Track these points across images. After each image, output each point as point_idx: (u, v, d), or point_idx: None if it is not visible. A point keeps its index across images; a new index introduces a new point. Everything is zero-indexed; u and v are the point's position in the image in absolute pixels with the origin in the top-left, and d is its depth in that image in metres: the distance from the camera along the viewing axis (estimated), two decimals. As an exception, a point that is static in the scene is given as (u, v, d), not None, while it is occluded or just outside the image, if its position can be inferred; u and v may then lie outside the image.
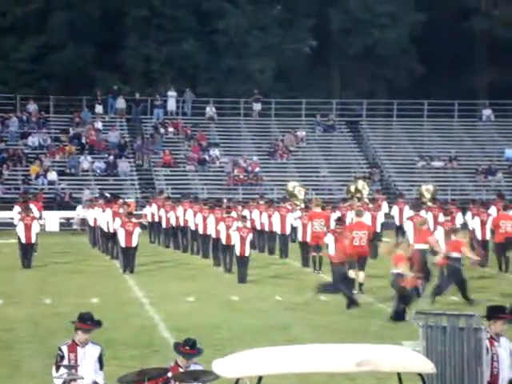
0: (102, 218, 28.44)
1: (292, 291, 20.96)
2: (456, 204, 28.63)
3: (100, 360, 9.61)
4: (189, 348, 9.30)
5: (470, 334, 8.85)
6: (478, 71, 51.11)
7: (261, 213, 28.78)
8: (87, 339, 9.59)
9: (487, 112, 48.44)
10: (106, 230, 27.74)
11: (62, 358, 9.49)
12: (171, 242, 30.42)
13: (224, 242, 23.61)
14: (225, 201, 29.86)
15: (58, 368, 9.55)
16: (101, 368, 9.63)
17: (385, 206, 30.23)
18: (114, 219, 26.20)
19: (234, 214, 25.21)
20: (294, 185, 31.13)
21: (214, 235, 25.27)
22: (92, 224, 30.77)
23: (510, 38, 50.12)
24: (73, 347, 9.54)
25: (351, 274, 20.56)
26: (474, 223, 25.58)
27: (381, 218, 28.34)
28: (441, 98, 46.70)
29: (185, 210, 29.03)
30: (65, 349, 9.54)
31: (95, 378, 9.57)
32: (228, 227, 23.47)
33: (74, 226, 38.47)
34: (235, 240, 22.39)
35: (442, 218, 23.62)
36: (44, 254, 27.38)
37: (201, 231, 27.17)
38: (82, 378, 9.46)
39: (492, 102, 48.62)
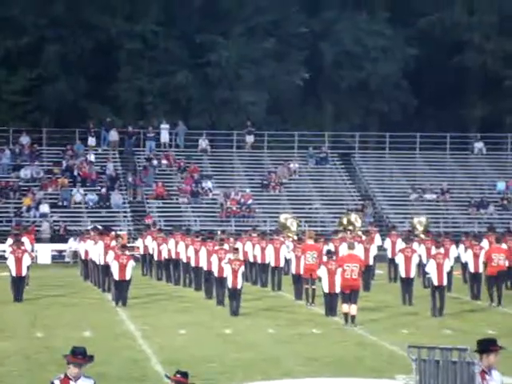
0: (95, 250, 28.37)
1: (285, 324, 20.88)
2: (449, 237, 28.65)
3: None
4: (180, 376, 9.32)
5: (463, 368, 8.83)
6: (470, 104, 51.40)
7: (254, 245, 28.74)
8: (79, 373, 9.55)
9: (479, 145, 48.66)
10: (98, 263, 27.66)
11: None
12: (163, 275, 30.35)
13: (216, 274, 23.55)
14: (218, 233, 29.80)
15: None
16: None
17: (378, 238, 30.25)
18: (106, 252, 26.13)
19: (226, 246, 25.17)
20: (286, 217, 31.19)
21: (205, 267, 25.22)
22: (84, 257, 30.69)
23: (501, 72, 50.50)
24: (65, 381, 9.50)
25: (344, 307, 20.53)
26: (467, 256, 25.59)
27: (374, 251, 28.37)
28: (433, 130, 46.94)
29: (177, 243, 29.00)
30: (57, 383, 9.51)
31: None
32: (220, 259, 23.43)
33: (67, 259, 38.35)
34: (227, 272, 22.34)
35: (434, 250, 23.62)
36: (36, 286, 27.26)
37: (193, 264, 27.12)
38: None
39: (484, 135, 48.88)
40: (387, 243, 29.93)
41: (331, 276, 21.26)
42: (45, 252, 38.17)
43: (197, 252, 26.53)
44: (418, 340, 16.32)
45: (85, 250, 30.48)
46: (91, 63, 47.61)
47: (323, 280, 21.52)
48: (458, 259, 27.06)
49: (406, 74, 50.61)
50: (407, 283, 24.03)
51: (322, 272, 21.57)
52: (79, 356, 9.50)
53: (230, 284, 22.18)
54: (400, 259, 24.30)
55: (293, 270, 25.61)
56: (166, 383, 12.64)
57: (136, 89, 49.16)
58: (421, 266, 25.93)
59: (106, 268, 25.70)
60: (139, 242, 32.65)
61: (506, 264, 24.82)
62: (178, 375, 9.37)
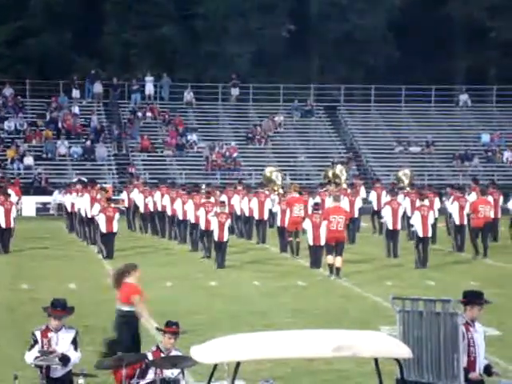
0: (80, 203, 28.33)
1: (270, 276, 21.00)
2: (432, 189, 28.75)
3: (74, 342, 9.60)
4: (175, 327, 9.43)
5: (447, 319, 8.90)
6: (455, 56, 51.28)
7: (241, 198, 28.70)
8: (59, 325, 9.60)
9: (464, 97, 48.66)
10: (83, 216, 27.64)
11: (36, 342, 9.52)
12: (149, 228, 30.38)
13: (203, 227, 23.59)
14: (203, 186, 29.78)
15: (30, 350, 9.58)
16: (75, 349, 9.61)
17: (362, 190, 30.33)
18: (92, 205, 26.10)
19: (212, 199, 25.19)
20: (271, 170, 31.10)
21: (193, 220, 25.22)
22: (69, 209, 30.65)
23: (487, 23, 50.32)
24: (46, 332, 9.57)
25: (329, 258, 20.65)
26: (453, 208, 25.71)
27: (359, 203, 28.43)
28: (418, 83, 46.86)
29: (162, 195, 28.99)
30: (38, 334, 9.57)
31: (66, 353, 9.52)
32: (207, 212, 23.47)
33: (51, 212, 38.32)
34: (214, 225, 22.38)
35: (418, 202, 23.74)
36: (21, 239, 27.26)
37: (180, 217, 27.15)
38: (58, 363, 9.46)
39: (469, 88, 48.85)
40: (372, 196, 30.02)
41: (316, 229, 21.35)
42: (29, 204, 38.09)
43: (183, 205, 26.54)
44: (401, 292, 16.46)
45: (70, 202, 30.44)
46: (77, 15, 47.17)
47: (308, 232, 21.62)
48: (441, 211, 27.20)
49: (391, 26, 50.38)
50: (393, 235, 24.14)
51: (307, 224, 21.66)
52: (58, 308, 9.56)
53: (216, 237, 22.23)
54: (386, 212, 24.39)
55: (278, 222, 25.68)
56: (152, 335, 12.76)
57: (121, 41, 48.81)
58: (405, 218, 26.04)
59: (92, 221, 25.69)
60: (124, 195, 32.61)
61: (492, 215, 24.97)
62: (174, 326, 9.45)
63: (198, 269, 22.28)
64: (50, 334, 9.53)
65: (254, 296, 18.54)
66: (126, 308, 11.52)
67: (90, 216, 26.41)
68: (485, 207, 24.45)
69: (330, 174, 30.74)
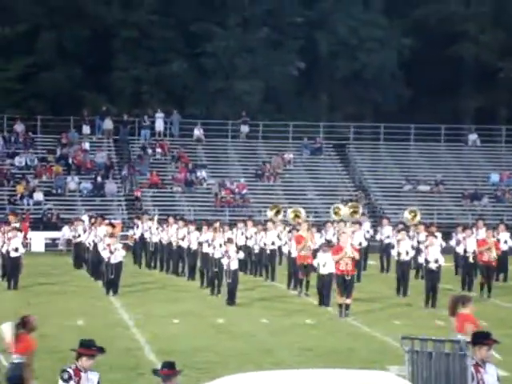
0: (88, 239, 28.38)
1: (278, 314, 20.92)
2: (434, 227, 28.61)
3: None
4: (167, 369, 9.33)
5: (456, 360, 8.86)
6: (464, 96, 51.45)
7: (255, 234, 28.61)
8: (91, 365, 9.68)
9: (473, 137, 48.71)
10: (91, 251, 27.66)
11: (70, 377, 9.57)
12: (157, 263, 30.37)
13: (213, 263, 23.59)
14: (218, 224, 29.65)
15: None
16: None
17: (367, 226, 30.27)
18: (99, 240, 26.13)
19: (225, 236, 25.20)
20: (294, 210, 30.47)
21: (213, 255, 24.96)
22: (77, 245, 30.68)
23: (496, 64, 50.54)
24: (77, 372, 9.63)
25: (339, 299, 20.57)
26: (460, 248, 25.67)
27: (359, 240, 28.17)
28: (427, 122, 46.96)
29: (175, 231, 28.93)
30: (71, 371, 9.62)
31: None
32: (215, 248, 23.50)
33: (60, 247, 38.34)
34: (224, 262, 22.38)
35: (425, 239, 23.72)
36: (29, 274, 27.24)
37: (187, 250, 27.19)
38: None
39: (478, 127, 48.94)
40: (380, 233, 29.98)
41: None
42: (38, 240, 38.13)
43: (197, 239, 26.67)
44: (410, 331, 16.36)
45: (78, 238, 30.48)
46: (87, 51, 47.57)
47: (320, 264, 21.62)
48: (450, 250, 27.13)
49: (400, 64, 50.63)
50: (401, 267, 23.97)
51: (319, 260, 21.63)
52: (93, 348, 9.62)
53: (228, 275, 22.22)
54: (396, 245, 24.36)
55: (290, 255, 25.55)
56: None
57: (131, 77, 49.13)
58: (414, 256, 25.95)
59: (98, 256, 25.70)
60: (133, 231, 32.60)
61: (495, 256, 24.83)
62: (165, 369, 9.38)
63: (205, 305, 22.21)
64: (81, 374, 9.59)
65: (261, 334, 18.45)
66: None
67: (96, 251, 26.41)
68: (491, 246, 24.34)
69: (342, 210, 30.49)
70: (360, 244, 27.26)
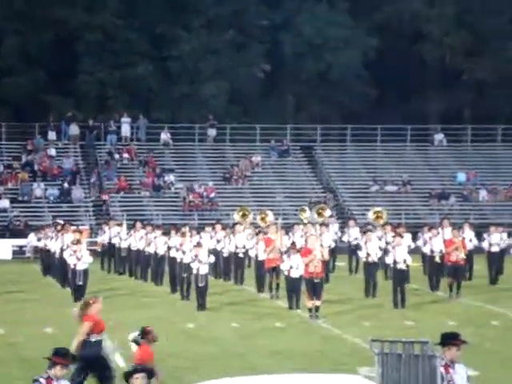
0: (54, 245, 28.19)
1: (248, 318, 20.90)
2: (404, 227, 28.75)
3: None
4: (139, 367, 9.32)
5: (425, 361, 8.90)
6: (430, 96, 51.78)
7: (223, 237, 28.55)
8: (64, 374, 9.59)
9: (439, 137, 49.02)
10: (58, 258, 27.48)
11: None
12: (126, 269, 30.23)
13: (182, 268, 23.54)
14: (187, 228, 29.56)
15: None
16: None
17: (335, 228, 30.34)
18: (66, 247, 25.95)
19: (193, 240, 25.15)
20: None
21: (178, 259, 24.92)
22: (45, 252, 30.47)
23: (460, 65, 50.94)
24: (49, 381, 9.52)
25: (309, 303, 20.58)
26: (427, 248, 25.83)
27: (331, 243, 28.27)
28: (394, 122, 47.20)
29: (141, 236, 28.88)
30: (43, 381, 9.51)
31: None
32: (184, 253, 23.45)
33: (27, 254, 38.05)
34: (194, 266, 22.33)
35: (392, 240, 23.82)
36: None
37: (154, 255, 27.11)
38: None
39: (444, 127, 49.27)
40: (348, 235, 30.09)
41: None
42: (5, 247, 37.82)
43: (165, 244, 26.57)
44: (380, 332, 16.42)
45: (44, 245, 30.27)
46: (51, 56, 47.22)
47: (293, 267, 21.62)
48: (418, 250, 27.28)
49: (366, 65, 50.81)
50: (369, 268, 24.06)
51: (291, 262, 21.62)
52: (67, 357, 9.54)
53: (198, 279, 22.18)
54: (364, 246, 24.45)
55: (258, 259, 25.54)
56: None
57: (96, 81, 48.85)
58: (382, 257, 26.05)
59: (65, 263, 25.52)
60: (101, 236, 32.41)
61: (463, 256, 25.00)
62: (138, 373, 9.33)
63: (175, 311, 22.14)
64: (53, 383, 9.48)
65: (232, 338, 18.43)
66: None
67: (62, 258, 26.23)
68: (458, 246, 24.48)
69: (306, 213, 30.56)
70: (329, 246, 27.31)
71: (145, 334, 11.62)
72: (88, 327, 12.80)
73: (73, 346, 12.40)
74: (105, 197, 40.55)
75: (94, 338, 12.87)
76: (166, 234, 27.38)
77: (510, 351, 16.72)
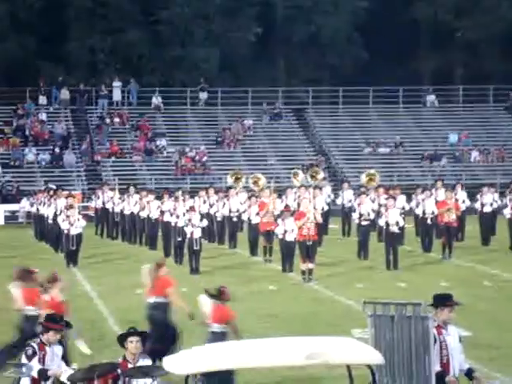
0: (48, 210, 28.18)
1: (241, 281, 20.98)
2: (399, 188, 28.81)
3: (64, 358, 9.68)
4: (133, 331, 9.34)
5: (417, 323, 8.94)
6: (421, 57, 51.60)
7: (216, 201, 28.58)
8: (57, 339, 9.61)
9: (431, 98, 48.95)
10: (51, 223, 27.49)
11: (35, 353, 9.47)
12: (119, 234, 30.26)
13: (176, 232, 23.61)
14: (180, 192, 29.54)
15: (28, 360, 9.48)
16: (67, 365, 9.70)
17: (328, 190, 30.37)
18: (59, 211, 25.96)
19: (187, 204, 25.17)
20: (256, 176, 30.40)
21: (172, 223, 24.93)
22: (37, 217, 30.48)
23: (452, 24, 50.68)
24: (42, 346, 9.54)
25: (303, 266, 20.67)
26: (420, 209, 25.90)
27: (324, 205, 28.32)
28: (386, 84, 47.06)
29: (135, 201, 28.83)
30: (35, 346, 9.53)
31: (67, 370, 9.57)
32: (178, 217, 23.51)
33: (20, 219, 38.04)
34: (188, 230, 22.36)
35: (385, 201, 23.89)
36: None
37: (150, 220, 27.15)
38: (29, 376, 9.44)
39: (436, 88, 49.16)
40: (342, 198, 30.14)
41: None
42: (-2, 213, 37.84)
43: (158, 208, 26.61)
44: (373, 294, 16.50)
45: (37, 210, 30.26)
46: (41, 21, 46.86)
47: (279, 232, 21.67)
48: (411, 211, 27.35)
49: (357, 27, 50.57)
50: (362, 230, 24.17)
51: (285, 226, 21.66)
52: (61, 322, 9.56)
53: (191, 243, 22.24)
54: (357, 209, 24.52)
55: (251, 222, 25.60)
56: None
57: (87, 47, 48.57)
58: (375, 219, 26.12)
59: (58, 228, 25.54)
60: (94, 201, 32.40)
61: (454, 216, 25.07)
62: (132, 330, 9.38)
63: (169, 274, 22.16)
64: (46, 348, 9.50)
65: (225, 301, 18.46)
66: None
67: (56, 223, 26.23)
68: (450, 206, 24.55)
69: (300, 176, 30.56)
70: (322, 209, 27.37)
71: (220, 293, 11.74)
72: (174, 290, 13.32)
73: (185, 308, 12.87)
74: (97, 157, 40.19)
75: (152, 300, 13.37)
76: (159, 198, 27.38)
77: (502, 312, 16.82)
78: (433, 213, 25.15)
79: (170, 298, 13.09)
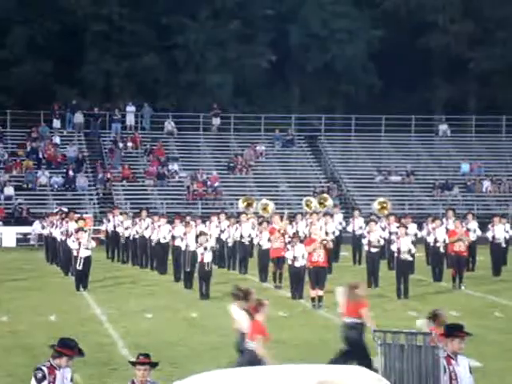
0: (59, 233, 28.25)
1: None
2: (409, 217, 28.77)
3: (72, 380, 9.66)
4: (143, 357, 9.33)
5: (428, 352, 8.93)
6: (434, 87, 51.70)
7: (228, 227, 28.57)
8: (68, 365, 9.61)
9: (443, 127, 48.98)
10: (62, 246, 27.53)
11: (44, 377, 9.46)
12: (129, 257, 30.27)
13: (186, 257, 23.60)
14: (189, 218, 29.59)
15: None
16: None
17: (339, 217, 30.36)
18: (70, 234, 26.00)
19: (198, 229, 25.20)
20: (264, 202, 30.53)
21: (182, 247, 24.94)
22: (49, 239, 30.53)
23: (466, 54, 50.81)
24: (52, 370, 9.53)
25: (312, 292, 20.63)
26: (431, 237, 25.86)
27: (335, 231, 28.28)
28: (398, 113, 47.15)
29: (146, 225, 28.83)
30: (45, 370, 9.51)
31: None
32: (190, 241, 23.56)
33: (32, 242, 38.13)
34: (199, 252, 22.38)
35: (397, 230, 23.86)
36: (0, 270, 27.08)
37: (161, 244, 27.18)
38: None
39: (448, 118, 49.22)
40: (353, 225, 30.13)
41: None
42: (10, 235, 37.90)
43: (170, 232, 26.64)
44: (383, 323, 16.43)
45: (49, 232, 30.33)
46: (58, 45, 47.23)
47: (297, 257, 21.66)
48: (422, 240, 27.28)
49: (371, 55, 50.75)
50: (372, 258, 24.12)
51: (295, 253, 21.66)
52: (75, 349, 9.55)
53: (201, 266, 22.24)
54: (367, 236, 24.48)
55: (263, 249, 25.57)
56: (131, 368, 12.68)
57: (102, 71, 48.87)
58: (386, 246, 26.08)
59: (69, 251, 25.57)
60: (105, 225, 32.45)
61: (465, 246, 24.96)
62: (141, 357, 9.38)
63: (178, 299, 22.19)
64: (56, 372, 9.50)
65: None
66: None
67: (68, 246, 26.26)
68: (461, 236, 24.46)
69: (313, 203, 30.62)
70: (333, 233, 27.40)
71: (435, 316, 11.73)
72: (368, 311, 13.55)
73: (370, 322, 13.05)
74: (107, 176, 39.86)
75: (351, 320, 13.59)
76: (171, 222, 27.42)
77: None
78: (444, 242, 25.11)
79: (363, 319, 13.46)
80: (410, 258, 22.55)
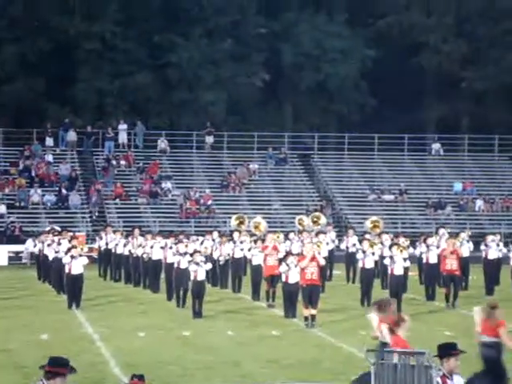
0: (52, 251, 28.16)
1: (244, 326, 20.88)
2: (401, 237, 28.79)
3: None
4: (137, 379, 9.26)
5: (421, 372, 8.89)
6: (427, 106, 51.88)
7: (220, 245, 28.54)
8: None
9: (436, 146, 49.11)
10: (54, 264, 27.44)
11: None
12: (122, 275, 30.18)
13: (179, 275, 23.53)
14: (181, 236, 29.53)
15: None
16: None
17: (332, 236, 30.35)
18: (62, 253, 25.91)
19: (190, 246, 25.14)
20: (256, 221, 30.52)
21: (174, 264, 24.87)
22: (41, 258, 30.43)
23: (458, 74, 51.03)
24: None
25: (305, 311, 20.58)
26: (423, 257, 25.86)
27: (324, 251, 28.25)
28: (391, 132, 47.28)
29: (139, 244, 28.76)
30: None
31: None
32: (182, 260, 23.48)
33: (24, 260, 38.00)
34: (191, 270, 22.30)
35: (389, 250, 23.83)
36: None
37: (154, 262, 27.09)
38: None
39: (441, 137, 49.35)
40: (346, 243, 30.10)
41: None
42: (1, 253, 37.77)
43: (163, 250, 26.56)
44: (375, 341, 16.39)
45: (41, 251, 30.23)
46: (50, 64, 47.25)
47: (282, 271, 21.59)
48: (414, 259, 27.27)
49: (364, 75, 50.93)
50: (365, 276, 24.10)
51: (283, 267, 21.58)
52: (68, 367, 9.46)
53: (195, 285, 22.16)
54: (360, 254, 24.46)
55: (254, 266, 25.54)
56: (125, 388, 12.60)
57: (95, 89, 48.89)
58: (380, 265, 26.07)
59: (61, 270, 25.49)
60: (98, 243, 32.37)
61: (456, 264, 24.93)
62: (135, 379, 9.33)
63: (171, 318, 22.12)
64: None
65: (228, 346, 18.41)
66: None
67: (59, 264, 26.18)
68: (451, 256, 24.45)
69: (305, 221, 30.66)
70: (327, 249, 27.40)
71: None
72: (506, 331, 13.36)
73: (509, 343, 12.99)
74: (97, 186, 39.52)
75: (486, 339, 13.44)
76: (163, 241, 27.32)
77: (507, 362, 16.70)
78: (437, 261, 25.10)
79: (501, 338, 13.35)
80: (400, 278, 22.50)
